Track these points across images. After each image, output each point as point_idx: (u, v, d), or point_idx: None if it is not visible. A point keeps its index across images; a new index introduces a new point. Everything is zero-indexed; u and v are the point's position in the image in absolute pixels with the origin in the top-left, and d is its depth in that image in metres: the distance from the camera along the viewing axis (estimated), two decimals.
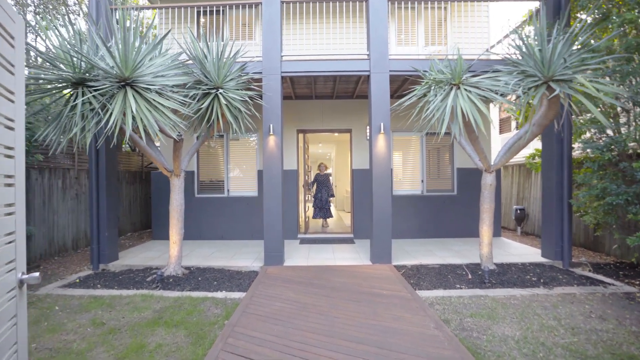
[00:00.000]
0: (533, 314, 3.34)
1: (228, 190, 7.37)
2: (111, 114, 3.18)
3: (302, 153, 7.76)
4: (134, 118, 3.27)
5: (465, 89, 3.70)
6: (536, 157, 7.02)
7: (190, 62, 4.68)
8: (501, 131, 11.24)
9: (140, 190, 8.77)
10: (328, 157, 17.99)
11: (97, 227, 5.20)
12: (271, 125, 5.02)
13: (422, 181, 7.27)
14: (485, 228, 4.60)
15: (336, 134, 11.16)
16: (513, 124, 10.39)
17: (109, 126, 3.17)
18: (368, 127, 5.38)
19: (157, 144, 5.85)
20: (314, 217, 8.32)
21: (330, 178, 10.25)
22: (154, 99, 3.38)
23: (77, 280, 4.63)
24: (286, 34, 6.59)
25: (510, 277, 4.41)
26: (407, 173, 7.35)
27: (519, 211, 7.44)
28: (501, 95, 3.92)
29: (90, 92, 3.33)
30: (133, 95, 3.22)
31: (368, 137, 7.12)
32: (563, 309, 3.45)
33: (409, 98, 4.63)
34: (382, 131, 5.00)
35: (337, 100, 7.32)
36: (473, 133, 4.17)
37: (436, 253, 5.77)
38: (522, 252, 5.78)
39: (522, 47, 3.45)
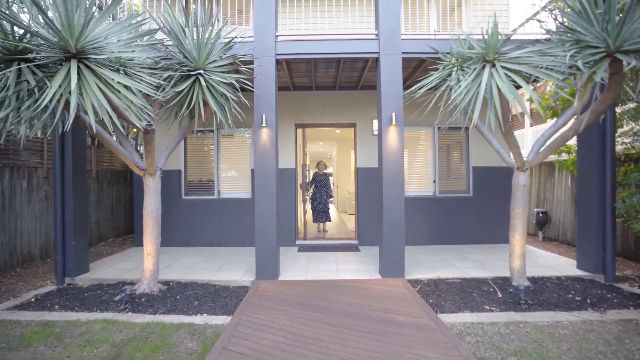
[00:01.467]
0: (596, 352, 2.61)
1: (219, 192, 6.64)
2: (53, 93, 2.44)
3: (300, 150, 7.03)
4: (85, 100, 2.53)
5: (503, 66, 2.97)
6: (563, 154, 6.29)
7: (170, 43, 3.96)
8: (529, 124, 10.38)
9: (124, 191, 8.04)
10: (328, 157, 17.29)
11: (62, 235, 4.47)
12: (264, 116, 4.29)
13: (434, 181, 6.55)
14: (518, 237, 3.87)
15: (338, 131, 10.47)
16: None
17: (49, 110, 2.44)
18: (377, 119, 4.66)
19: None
20: (314, 221, 7.59)
21: (331, 178, 9.52)
22: (110, 77, 2.64)
23: (33, 300, 3.90)
24: (282, 11, 5.86)
25: (548, 296, 3.68)
26: (418, 172, 6.62)
27: (540, 214, 6.71)
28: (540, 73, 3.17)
29: (30, 68, 2.59)
30: (78, 70, 2.49)
31: (376, 132, 6.43)
32: (632, 345, 2.72)
33: (430, 82, 3.90)
34: (393, 123, 4.27)
35: (340, 92, 6.60)
36: (507, 123, 3.45)
37: (454, 263, 5.04)
38: (553, 262, 5.05)
39: (578, 6, 2.69)
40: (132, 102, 2.82)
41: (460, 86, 3.22)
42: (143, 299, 3.78)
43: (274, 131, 4.36)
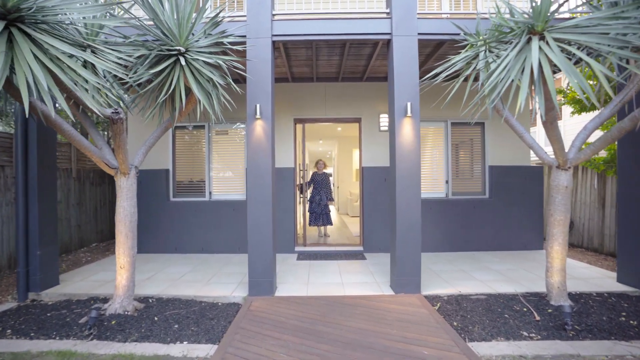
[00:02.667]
0: None
1: (210, 193, 6.04)
2: None
3: (300, 147, 6.44)
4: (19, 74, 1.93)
5: (555, 38, 2.38)
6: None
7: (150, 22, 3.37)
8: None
9: (109, 193, 7.42)
10: (329, 156, 16.71)
11: (24, 244, 3.88)
12: (258, 106, 3.69)
13: (447, 182, 5.96)
14: (557, 248, 3.28)
15: (339, 128, 9.88)
16: (565, 109, 8.86)
17: None
18: (388, 112, 4.08)
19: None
20: (310, 224, 6.99)
21: (331, 179, 8.92)
22: (51, 44, 2.03)
23: None
24: None
25: (597, 319, 3.09)
26: (428, 172, 6.03)
27: None
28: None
29: None
30: (10, 36, 1.89)
31: (383, 127, 5.81)
32: None
33: (452, 65, 3.32)
34: (408, 114, 3.68)
35: (344, 83, 6.00)
36: (552, 111, 2.85)
37: (473, 275, 4.45)
38: (586, 274, 4.46)
39: None
40: (85, 80, 2.22)
41: (498, 66, 2.62)
42: (113, 322, 3.17)
43: (270, 124, 3.76)
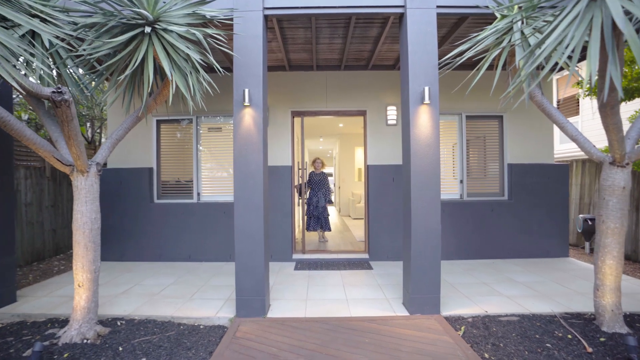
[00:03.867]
0: None
1: (199, 194, 5.44)
2: None
3: (299, 143, 5.85)
4: None
5: None
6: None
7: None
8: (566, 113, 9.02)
9: None
10: (329, 155, 16.14)
11: None
12: (246, 92, 3.09)
13: (461, 182, 5.37)
14: (611, 262, 2.69)
15: (341, 124, 9.29)
16: (584, 103, 8.14)
17: None
18: (401, 98, 3.50)
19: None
20: (308, 229, 6.40)
21: (330, 179, 8.33)
22: None
23: None
24: None
25: None
26: (441, 170, 5.42)
27: (589, 222, 5.54)
28: None
29: None
30: None
31: (391, 121, 5.18)
32: None
33: (482, 40, 2.74)
34: (426, 101, 3.08)
35: (347, 72, 5.41)
36: (614, 92, 2.26)
37: (497, 289, 3.85)
38: (631, 288, 3.86)
39: None
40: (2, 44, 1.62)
41: (554, 29, 2.02)
42: (66, 355, 2.57)
43: (261, 113, 3.16)
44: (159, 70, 3.21)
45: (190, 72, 2.87)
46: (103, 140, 9.63)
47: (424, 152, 3.13)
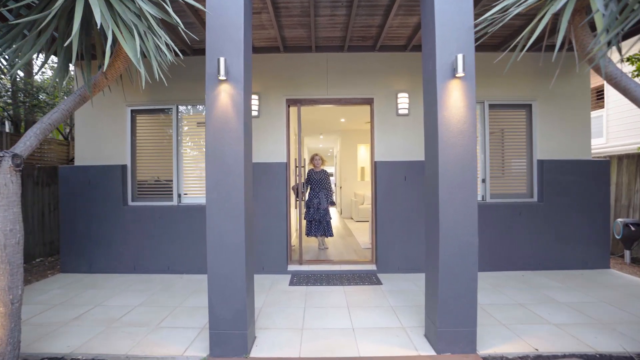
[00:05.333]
0: None
1: (180, 196, 4.70)
2: None
3: (294, 136, 5.11)
4: None
5: None
6: None
7: None
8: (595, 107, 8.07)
9: None
10: (330, 154, 15.42)
11: None
12: (222, 62, 2.34)
13: (484, 181, 4.62)
14: None
15: (343, 119, 8.55)
16: (610, 95, 7.28)
17: None
18: (423, 72, 2.78)
19: None
20: (307, 234, 5.66)
21: (331, 178, 7.58)
22: None
23: None
24: None
25: None
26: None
27: (631, 227, 4.78)
28: None
29: None
30: None
31: (402, 110, 4.28)
32: None
33: None
34: (459, 73, 2.34)
35: (351, 54, 4.66)
36: None
37: (539, 312, 3.10)
38: None
39: None
40: None
41: None
42: None
43: (242, 90, 2.41)
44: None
45: (145, 33, 2.13)
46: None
47: (455, 141, 2.39)
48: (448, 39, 2.40)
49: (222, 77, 2.36)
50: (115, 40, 2.15)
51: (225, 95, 2.40)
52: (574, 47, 2.29)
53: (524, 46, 2.34)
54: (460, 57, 2.31)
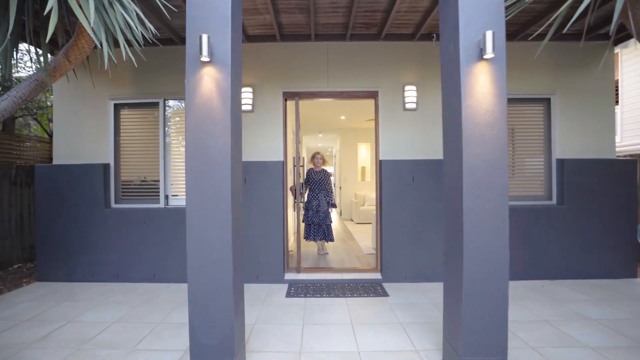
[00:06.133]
0: None
1: (167, 197, 4.32)
2: None
3: (292, 132, 4.72)
4: None
5: None
6: None
7: None
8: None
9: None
10: (329, 153, 15.06)
11: None
12: (204, 40, 1.96)
13: None
14: None
15: (343, 117, 8.17)
16: (625, 92, 6.72)
17: None
18: (440, 52, 2.43)
19: None
20: (306, 238, 5.27)
21: (332, 178, 7.21)
22: None
23: None
24: None
25: None
26: None
27: None
28: None
29: None
30: None
31: (410, 104, 3.84)
32: None
33: None
34: (487, 53, 1.96)
35: (354, 43, 4.28)
36: None
37: (570, 332, 2.73)
38: None
39: None
40: None
41: None
42: None
43: (229, 75, 2.03)
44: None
45: (110, 4, 1.75)
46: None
47: (483, 134, 2.01)
48: (474, 15, 2.02)
49: (204, 59, 1.97)
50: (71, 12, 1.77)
51: (209, 79, 2.01)
52: (610, 32, 1.92)
53: (560, 27, 1.97)
54: (489, 34, 1.93)
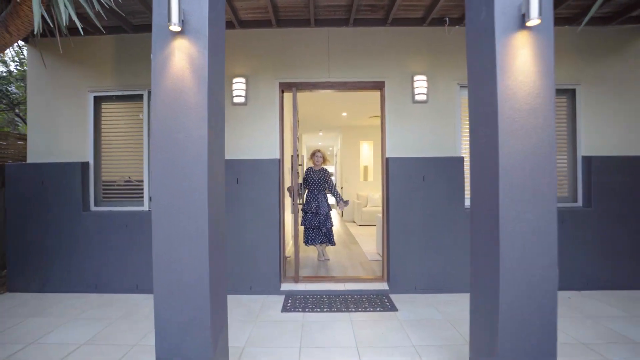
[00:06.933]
0: None
1: (151, 199, 3.90)
2: None
3: (289, 126, 4.33)
4: None
5: None
6: None
7: None
8: None
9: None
10: (330, 152, 14.64)
11: None
12: (174, 4, 1.54)
13: None
14: None
15: (345, 114, 7.76)
16: None
17: None
18: (466, 22, 2.03)
19: None
20: (306, 243, 4.86)
21: (333, 178, 6.77)
22: None
23: None
24: None
25: None
26: None
27: None
28: None
29: None
30: None
31: (419, 95, 3.40)
32: None
33: None
34: (532, 19, 1.54)
35: (357, 29, 3.87)
36: None
37: (614, 359, 2.32)
38: None
39: None
40: None
41: None
42: None
43: (206, 49, 1.62)
44: None
45: None
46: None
47: (524, 123, 1.60)
48: None
49: (174, 28, 1.56)
50: None
51: (180, 55, 1.60)
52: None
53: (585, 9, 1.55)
54: None
